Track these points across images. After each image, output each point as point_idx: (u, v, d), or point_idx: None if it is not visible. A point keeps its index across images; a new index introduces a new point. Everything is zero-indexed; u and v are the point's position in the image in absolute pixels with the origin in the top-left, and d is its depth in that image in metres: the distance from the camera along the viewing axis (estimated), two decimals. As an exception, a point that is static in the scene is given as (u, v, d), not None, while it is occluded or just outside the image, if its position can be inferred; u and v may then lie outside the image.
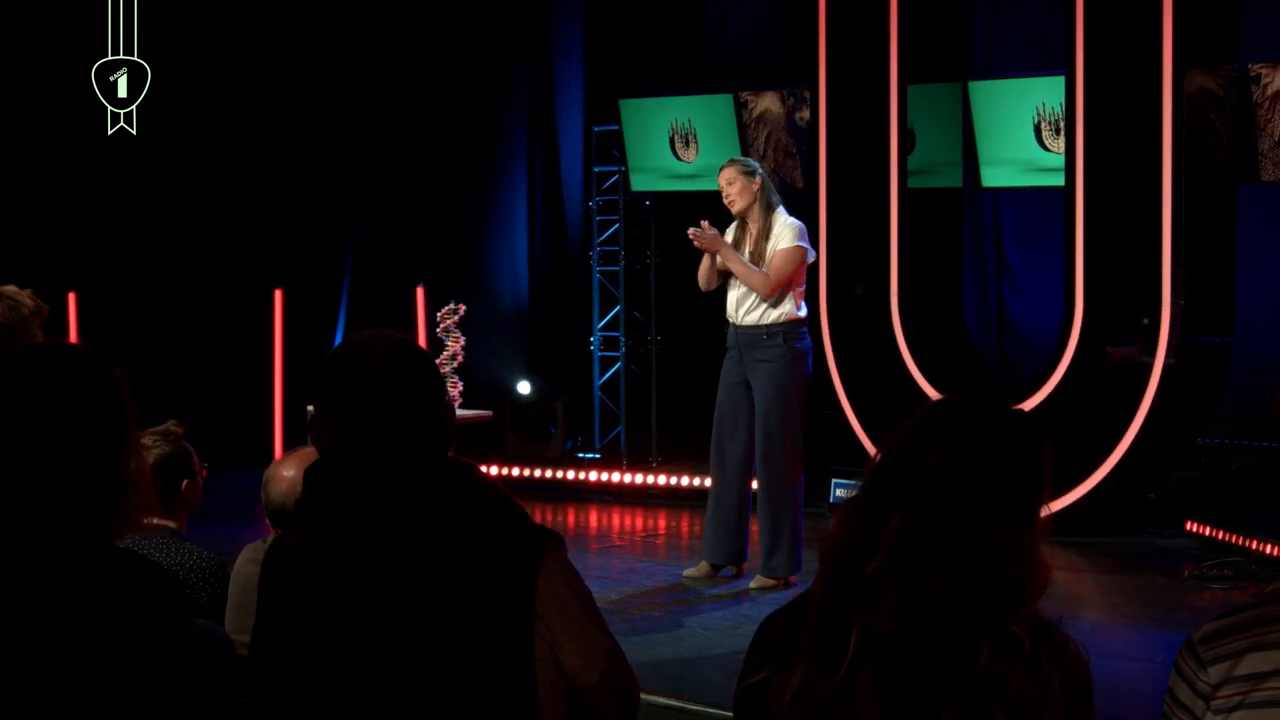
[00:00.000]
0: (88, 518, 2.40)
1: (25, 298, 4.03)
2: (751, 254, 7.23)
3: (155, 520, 4.02)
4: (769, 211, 7.24)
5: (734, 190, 7.24)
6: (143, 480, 2.51)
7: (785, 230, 7.19)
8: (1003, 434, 2.21)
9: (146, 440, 4.03)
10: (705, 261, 7.29)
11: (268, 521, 4.09)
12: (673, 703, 5.36)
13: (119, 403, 2.49)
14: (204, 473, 4.27)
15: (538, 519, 9.36)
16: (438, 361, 9.69)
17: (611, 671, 2.51)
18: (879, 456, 2.23)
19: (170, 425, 4.20)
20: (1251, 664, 2.08)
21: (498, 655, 2.40)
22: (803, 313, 7.26)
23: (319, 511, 2.51)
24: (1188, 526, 8.18)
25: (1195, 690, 2.12)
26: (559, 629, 2.44)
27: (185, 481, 4.12)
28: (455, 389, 9.99)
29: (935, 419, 2.22)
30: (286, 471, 3.93)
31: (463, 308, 10.12)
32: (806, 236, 7.27)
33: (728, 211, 7.36)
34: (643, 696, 5.27)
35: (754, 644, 2.30)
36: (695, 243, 7.25)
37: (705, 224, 7.26)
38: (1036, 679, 2.09)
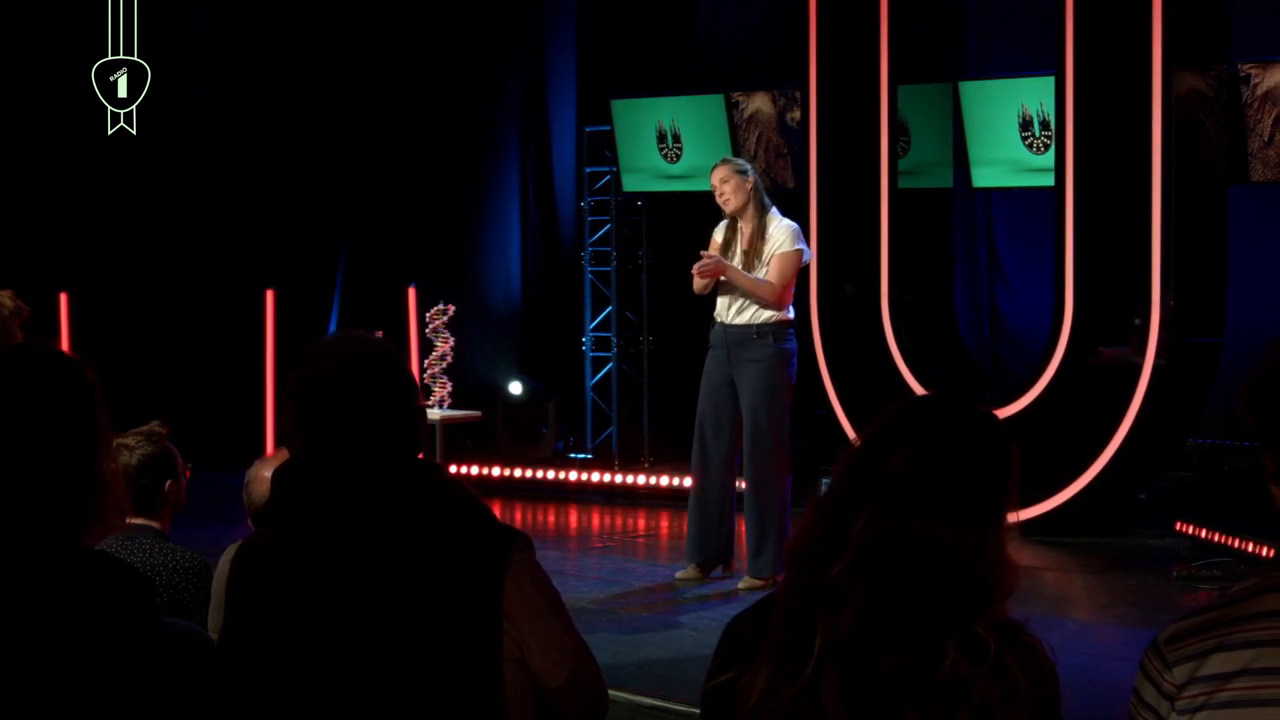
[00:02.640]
0: (58, 518, 2.39)
1: (5, 299, 4.02)
2: (745, 253, 7.21)
3: (138, 520, 4.02)
4: (763, 212, 7.22)
5: (729, 189, 7.20)
6: (115, 481, 2.51)
7: (784, 234, 7.16)
8: (969, 434, 2.20)
9: (130, 440, 4.03)
10: (699, 284, 7.16)
11: (250, 523, 4.09)
12: (659, 703, 5.36)
13: (92, 404, 2.49)
14: (187, 473, 4.27)
15: (529, 519, 9.25)
16: (427, 362, 9.69)
17: (579, 672, 2.52)
18: (846, 456, 2.23)
19: (154, 425, 4.20)
20: (1216, 664, 2.07)
21: (466, 656, 2.40)
22: (791, 314, 7.25)
23: (287, 513, 2.51)
24: (1178, 526, 8.18)
25: (1160, 690, 2.12)
26: (526, 629, 2.44)
27: (168, 482, 4.12)
28: (444, 389, 9.98)
29: (901, 419, 2.22)
30: (267, 472, 3.91)
31: (452, 308, 10.11)
32: (803, 238, 7.27)
33: (716, 211, 7.34)
34: (630, 696, 5.32)
35: (720, 644, 2.30)
36: (700, 277, 7.07)
37: (704, 254, 7.13)
38: (1002, 681, 2.08)
